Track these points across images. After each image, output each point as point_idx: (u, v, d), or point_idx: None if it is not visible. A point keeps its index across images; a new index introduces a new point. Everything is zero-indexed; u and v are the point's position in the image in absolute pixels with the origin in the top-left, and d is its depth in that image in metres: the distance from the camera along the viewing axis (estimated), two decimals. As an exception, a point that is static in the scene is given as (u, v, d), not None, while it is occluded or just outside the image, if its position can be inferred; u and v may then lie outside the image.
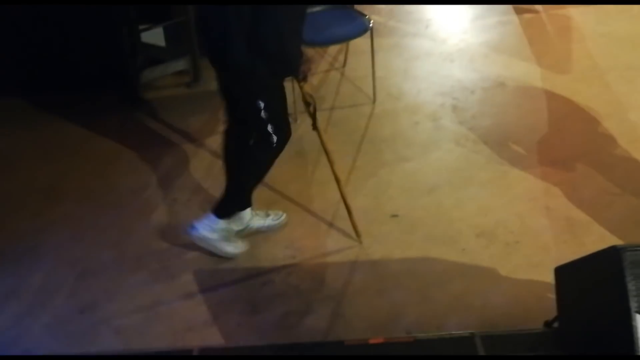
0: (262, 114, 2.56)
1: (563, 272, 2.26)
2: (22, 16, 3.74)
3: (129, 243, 3.05)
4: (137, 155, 3.56)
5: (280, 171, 3.24)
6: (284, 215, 3.08)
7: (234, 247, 2.94)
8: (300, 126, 3.57)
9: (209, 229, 2.86)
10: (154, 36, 3.99)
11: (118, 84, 3.93)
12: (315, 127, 2.85)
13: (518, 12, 4.70)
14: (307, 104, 2.79)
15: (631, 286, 1.68)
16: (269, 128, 2.61)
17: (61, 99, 3.95)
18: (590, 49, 4.28)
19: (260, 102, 2.54)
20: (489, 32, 4.50)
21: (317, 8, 3.71)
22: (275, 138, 2.64)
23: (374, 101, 3.89)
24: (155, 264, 2.94)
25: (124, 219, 3.18)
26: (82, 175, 3.44)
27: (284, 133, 2.71)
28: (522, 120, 3.71)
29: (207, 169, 3.39)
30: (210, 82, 3.21)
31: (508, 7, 4.75)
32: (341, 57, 4.24)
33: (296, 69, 2.56)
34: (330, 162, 2.93)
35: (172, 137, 3.69)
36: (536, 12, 4.67)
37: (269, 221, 3.05)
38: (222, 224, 2.87)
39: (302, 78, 2.68)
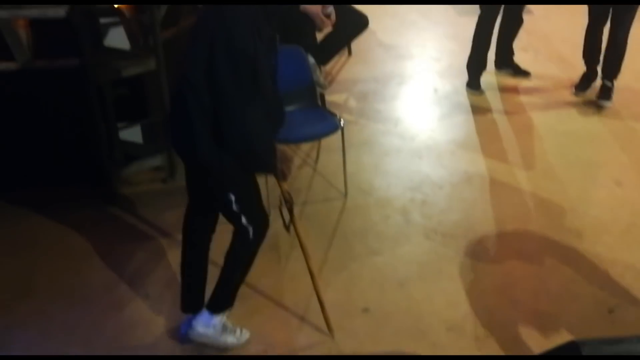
0: (234, 206, 2.62)
1: None
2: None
3: (100, 340, 3.02)
4: (111, 250, 3.57)
5: (252, 265, 3.28)
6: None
7: (236, 337, 2.93)
8: (274, 221, 3.63)
9: (206, 326, 2.87)
10: (132, 133, 4.09)
11: (94, 179, 3.98)
12: (289, 226, 2.92)
13: (481, 113, 4.90)
14: (285, 202, 2.86)
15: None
16: (244, 220, 2.67)
17: (35, 194, 3.99)
18: (551, 146, 4.47)
19: (231, 195, 2.60)
20: (455, 130, 4.68)
21: (289, 108, 3.85)
22: (251, 230, 2.70)
23: (346, 195, 3.99)
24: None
25: (95, 315, 3.16)
26: (54, 271, 3.43)
27: (261, 222, 2.76)
28: (489, 214, 3.82)
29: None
30: (182, 179, 3.29)
31: (473, 107, 4.96)
32: (313, 154, 4.37)
33: (269, 167, 2.65)
34: (306, 257, 2.98)
35: (146, 231, 3.73)
36: (498, 112, 4.89)
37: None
38: (216, 318, 2.88)
39: (281, 177, 2.76)
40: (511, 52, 5.30)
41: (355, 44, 5.70)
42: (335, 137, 3.91)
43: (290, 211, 2.90)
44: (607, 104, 4.85)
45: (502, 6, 4.92)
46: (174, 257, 3.49)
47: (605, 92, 4.88)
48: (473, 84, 5.15)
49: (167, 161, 4.08)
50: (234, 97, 2.37)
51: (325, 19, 4.34)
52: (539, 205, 3.90)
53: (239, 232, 2.73)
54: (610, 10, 4.62)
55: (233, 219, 2.69)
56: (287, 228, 2.96)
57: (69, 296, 3.27)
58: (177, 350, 2.95)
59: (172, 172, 4.09)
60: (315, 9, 4.29)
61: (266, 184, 3.66)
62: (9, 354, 2.95)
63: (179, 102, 2.53)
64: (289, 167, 2.80)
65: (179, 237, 3.39)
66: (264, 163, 2.60)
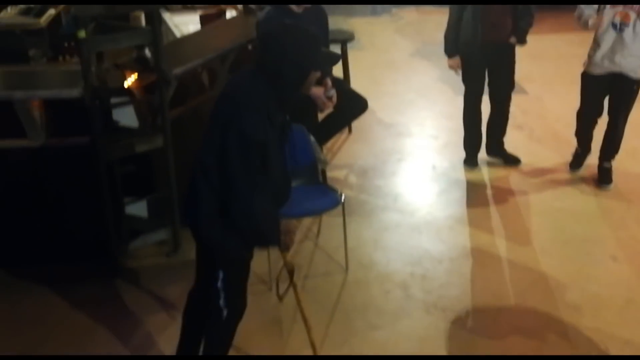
0: (219, 284, 2.70)
1: None
2: (10, 194, 3.94)
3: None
4: (114, 324, 3.61)
5: (254, 339, 3.33)
6: None
7: None
8: (275, 295, 3.70)
9: None
10: (137, 208, 4.19)
11: (99, 254, 4.05)
12: (283, 296, 3.00)
13: (478, 189, 5.02)
14: (287, 272, 2.94)
15: None
16: (220, 302, 2.73)
17: (40, 270, 4.05)
18: (548, 223, 4.56)
19: (220, 272, 2.69)
20: (454, 205, 4.79)
21: (293, 184, 3.96)
22: (225, 312, 2.75)
23: (346, 270, 4.05)
24: None
25: (97, 390, 3.18)
26: (58, 346, 3.46)
27: (237, 307, 2.82)
28: (488, 290, 3.88)
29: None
30: (189, 252, 3.37)
31: (470, 183, 5.08)
32: (315, 228, 4.45)
33: (273, 242, 2.74)
34: (308, 329, 3.03)
35: (150, 305, 3.78)
36: (495, 189, 5.01)
37: None
38: None
39: (284, 248, 2.85)
40: (501, 143, 5.39)
41: (355, 122, 5.85)
42: (337, 213, 4.02)
43: (292, 281, 2.98)
44: (609, 187, 4.94)
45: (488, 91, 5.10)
46: (177, 330, 3.52)
47: (605, 175, 4.97)
48: (469, 161, 5.28)
49: (172, 236, 4.16)
50: (242, 181, 2.49)
51: (327, 100, 4.52)
52: (537, 280, 3.96)
53: (212, 312, 2.78)
54: (608, 99, 4.81)
55: (212, 296, 2.75)
56: (280, 298, 3.02)
57: (72, 371, 3.30)
58: None
59: (176, 246, 4.17)
60: (318, 91, 4.48)
61: (268, 257, 3.74)
62: None
63: (192, 181, 2.65)
64: (292, 238, 2.88)
65: (182, 310, 3.45)
66: (267, 239, 2.70)
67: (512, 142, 5.41)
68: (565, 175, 5.15)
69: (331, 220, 4.36)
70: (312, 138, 4.55)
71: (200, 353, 2.96)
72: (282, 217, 2.81)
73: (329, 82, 4.52)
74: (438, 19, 9.13)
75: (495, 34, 4.80)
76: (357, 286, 3.94)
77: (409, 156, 5.56)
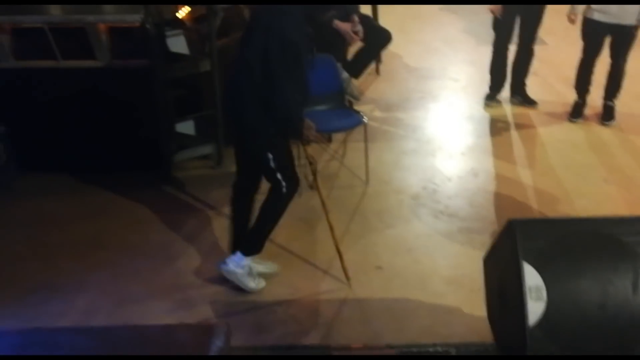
0: (272, 164, 3.30)
1: (485, 261, 2.86)
2: (79, 108, 4.58)
3: (158, 281, 3.69)
4: (167, 218, 4.26)
5: (285, 232, 3.94)
6: (276, 266, 3.74)
7: (255, 283, 3.58)
8: (304, 198, 4.29)
9: (236, 265, 3.52)
10: (186, 126, 4.81)
11: (153, 165, 4.69)
12: (312, 185, 3.58)
13: (492, 123, 5.53)
14: (310, 164, 3.54)
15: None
16: (279, 176, 3.34)
17: (104, 176, 4.70)
18: (552, 151, 5.07)
19: (269, 154, 3.28)
20: (468, 136, 5.32)
21: (322, 107, 4.53)
22: (284, 184, 3.36)
23: (367, 184, 4.63)
24: (179, 296, 3.57)
25: (154, 264, 3.83)
26: (120, 231, 4.13)
27: (293, 181, 3.43)
28: (490, 202, 4.44)
29: (224, 230, 4.04)
30: (231, 165, 3.97)
31: (485, 117, 5.59)
32: (341, 151, 5.03)
33: (299, 132, 3.34)
34: (325, 211, 3.62)
35: (196, 205, 4.41)
36: (507, 123, 5.51)
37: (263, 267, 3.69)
38: (246, 260, 3.53)
39: (305, 142, 3.45)
40: (523, 84, 5.86)
41: (383, 66, 6.41)
42: (360, 138, 4.63)
43: (314, 173, 3.57)
44: (612, 123, 5.41)
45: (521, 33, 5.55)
46: (218, 225, 4.16)
47: (609, 112, 5.44)
48: (492, 96, 5.78)
49: (216, 150, 4.78)
50: (281, 75, 3.09)
51: (354, 35, 5.06)
52: (535, 195, 4.49)
53: (274, 187, 3.40)
54: (608, 43, 5.23)
55: (270, 175, 3.37)
56: (310, 186, 3.60)
57: (133, 250, 3.96)
58: (220, 293, 3.59)
59: (220, 160, 4.79)
60: (345, 26, 5.02)
61: (298, 158, 4.34)
62: (86, 291, 3.62)
63: (234, 78, 3.25)
64: (313, 134, 3.44)
65: (223, 210, 4.09)
66: (296, 128, 3.29)
67: (528, 85, 5.89)
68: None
69: (355, 145, 4.92)
70: (344, 74, 5.16)
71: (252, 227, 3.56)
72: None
73: (355, 18, 5.05)
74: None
75: None
76: (375, 196, 4.52)
77: (430, 95, 6.07)
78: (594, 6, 5.09)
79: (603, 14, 5.06)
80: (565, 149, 5.10)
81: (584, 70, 5.43)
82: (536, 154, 5.04)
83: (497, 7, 5.39)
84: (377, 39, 5.46)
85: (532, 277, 2.20)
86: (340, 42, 5.10)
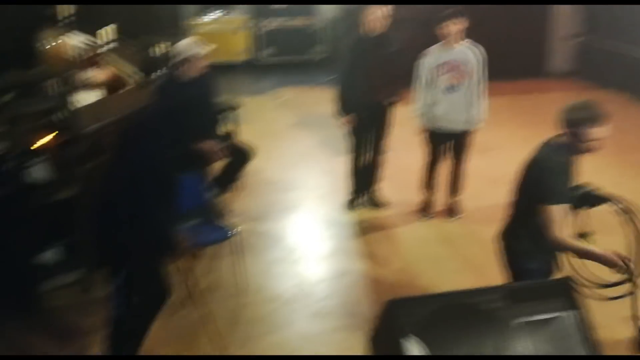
0: (141, 280, 3.36)
1: (370, 341, 3.01)
2: None
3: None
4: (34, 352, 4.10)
5: (167, 348, 3.91)
6: None
7: None
8: (183, 313, 4.31)
9: None
10: (52, 253, 4.72)
11: (17, 296, 4.52)
12: (192, 298, 3.66)
13: (354, 226, 5.90)
14: (186, 278, 3.63)
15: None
16: (142, 292, 3.40)
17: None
18: (408, 247, 5.48)
19: (139, 272, 3.36)
20: (332, 240, 5.63)
21: (191, 222, 4.65)
22: (147, 301, 3.41)
23: (241, 294, 4.75)
24: None
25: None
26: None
27: (158, 297, 3.48)
28: (360, 299, 4.70)
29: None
30: (100, 289, 3.97)
31: (346, 222, 5.95)
32: (212, 264, 5.11)
33: (173, 247, 3.45)
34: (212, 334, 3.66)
35: (66, 335, 4.28)
36: (367, 224, 5.90)
37: None
38: None
39: (179, 256, 3.55)
40: (376, 188, 6.35)
41: (245, 181, 6.67)
42: (230, 249, 4.80)
43: (190, 286, 3.66)
44: (458, 217, 5.98)
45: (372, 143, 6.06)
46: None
47: (455, 208, 6.02)
48: (351, 204, 6.19)
49: (86, 276, 4.71)
50: (153, 192, 3.23)
51: (216, 153, 5.31)
52: (398, 289, 4.81)
53: (137, 303, 3.44)
54: (449, 149, 5.85)
55: (136, 290, 3.41)
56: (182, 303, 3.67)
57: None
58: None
59: (90, 285, 4.71)
60: (207, 145, 5.26)
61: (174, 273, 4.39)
62: None
63: (105, 199, 3.34)
64: (185, 247, 3.57)
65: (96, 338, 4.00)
66: (169, 243, 3.41)
67: (380, 189, 6.37)
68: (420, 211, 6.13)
69: (226, 258, 5.05)
70: (209, 191, 5.34)
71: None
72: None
73: (218, 137, 5.32)
74: (315, 95, 10.31)
75: (376, 95, 5.76)
76: (251, 306, 4.65)
77: (293, 205, 6.38)
78: (435, 118, 5.69)
79: (441, 123, 5.69)
80: (421, 245, 5.54)
81: (429, 172, 6.00)
82: (395, 251, 5.43)
83: (349, 119, 5.86)
84: (241, 156, 5.74)
85: (415, 348, 2.42)
86: (204, 160, 5.32)
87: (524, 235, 3.59)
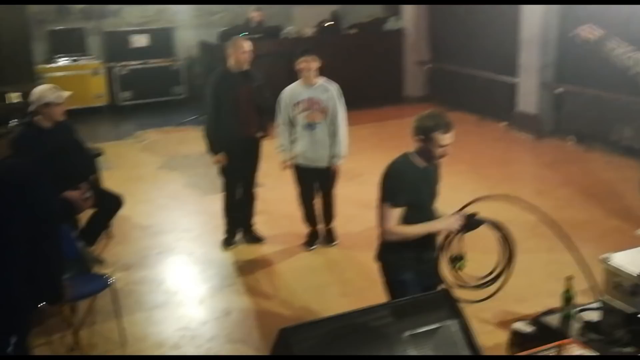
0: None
1: None
2: None
3: None
4: None
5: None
6: None
7: None
8: None
9: None
10: None
11: None
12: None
13: (232, 264, 5.86)
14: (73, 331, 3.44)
15: None
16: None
17: None
18: (290, 279, 5.53)
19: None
20: (212, 279, 5.56)
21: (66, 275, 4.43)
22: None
23: (124, 345, 4.56)
24: None
25: None
26: None
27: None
28: (247, 336, 4.68)
29: None
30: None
31: (225, 260, 5.90)
32: (90, 317, 4.88)
33: (61, 296, 3.27)
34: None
35: None
36: (245, 261, 5.89)
37: None
38: None
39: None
40: (251, 223, 6.35)
41: (114, 229, 6.43)
42: (106, 300, 4.62)
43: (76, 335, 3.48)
44: (335, 243, 6.08)
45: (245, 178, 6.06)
46: None
47: (331, 235, 6.12)
48: (228, 241, 6.14)
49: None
50: (43, 242, 3.06)
51: (84, 202, 5.09)
52: (286, 320, 4.78)
53: None
54: (315, 184, 5.96)
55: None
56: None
57: None
58: None
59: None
60: (74, 194, 5.03)
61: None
62: None
63: None
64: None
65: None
66: (59, 292, 3.23)
67: (256, 224, 6.38)
68: (300, 242, 6.19)
69: (104, 309, 4.84)
70: (80, 242, 5.12)
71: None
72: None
73: (84, 185, 5.11)
74: (178, 136, 10.22)
75: (246, 130, 5.78)
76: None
77: (167, 249, 6.25)
78: (298, 155, 5.77)
79: (302, 160, 5.78)
80: (302, 275, 5.61)
81: (304, 205, 6.08)
82: (278, 283, 5.46)
83: (220, 157, 5.83)
84: (109, 204, 5.55)
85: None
86: (71, 211, 5.08)
87: (392, 247, 3.78)
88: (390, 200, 3.67)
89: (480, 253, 3.71)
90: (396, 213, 3.66)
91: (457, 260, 3.73)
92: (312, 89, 5.69)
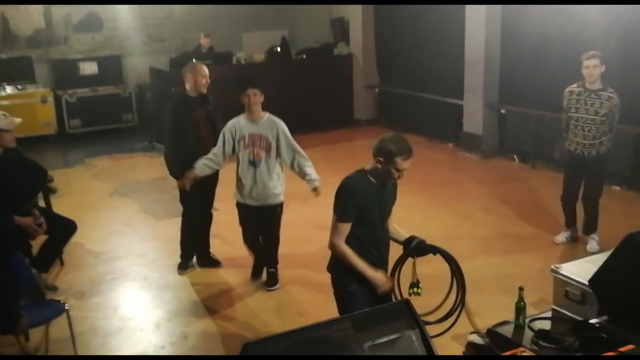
0: None
1: None
2: None
3: None
4: None
5: None
6: None
7: None
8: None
9: None
10: None
11: None
12: None
13: (189, 287, 5.84)
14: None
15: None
16: None
17: None
18: (253, 302, 5.52)
19: None
20: (169, 304, 5.53)
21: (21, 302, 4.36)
22: None
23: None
24: None
25: None
26: None
27: None
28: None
29: None
30: None
31: (181, 284, 5.87)
32: (43, 346, 4.79)
33: (16, 325, 3.24)
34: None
35: None
36: (202, 285, 5.87)
37: None
38: None
39: (20, 334, 3.33)
40: (207, 247, 6.35)
41: (66, 256, 6.33)
42: (61, 328, 4.58)
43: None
44: (276, 287, 5.77)
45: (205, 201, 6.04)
46: None
47: (273, 278, 5.82)
48: (184, 265, 6.12)
49: None
50: None
51: (37, 228, 5.04)
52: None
53: None
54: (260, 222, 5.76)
55: None
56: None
57: None
58: None
59: None
60: (27, 220, 4.98)
61: None
62: None
63: None
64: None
65: None
66: (14, 321, 3.21)
67: (211, 247, 6.38)
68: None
69: (58, 337, 4.76)
70: (33, 269, 5.03)
71: None
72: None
73: (36, 212, 5.06)
74: (130, 162, 10.14)
75: (205, 152, 5.60)
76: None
77: (122, 274, 6.18)
78: (242, 193, 5.57)
79: (250, 199, 5.53)
80: (260, 296, 5.64)
81: (249, 244, 5.94)
82: (237, 306, 5.47)
83: (184, 180, 5.66)
84: (62, 229, 5.49)
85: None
86: (24, 237, 5.02)
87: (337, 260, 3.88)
88: (339, 214, 3.78)
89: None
90: (344, 227, 3.77)
91: (413, 286, 3.84)
92: (258, 124, 5.45)
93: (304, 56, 11.90)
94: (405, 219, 4.06)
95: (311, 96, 11.40)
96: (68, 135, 11.52)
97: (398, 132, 4.03)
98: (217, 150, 5.54)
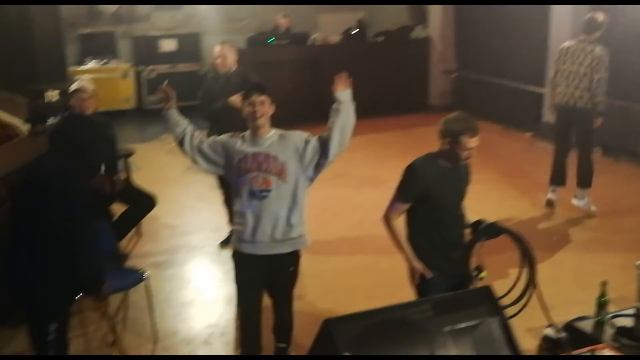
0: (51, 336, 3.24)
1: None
2: None
3: None
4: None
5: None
6: None
7: None
8: None
9: None
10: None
11: None
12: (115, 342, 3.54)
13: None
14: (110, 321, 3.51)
15: None
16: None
17: None
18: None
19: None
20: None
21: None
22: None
23: (156, 341, 4.63)
24: None
25: None
26: None
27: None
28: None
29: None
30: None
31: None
32: (122, 312, 4.94)
33: (100, 286, 3.35)
34: None
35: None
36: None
37: None
38: None
39: (102, 298, 3.44)
40: None
41: (144, 228, 6.50)
42: (138, 295, 4.72)
43: (114, 329, 3.56)
44: None
45: None
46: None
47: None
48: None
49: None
50: (83, 230, 3.15)
51: (112, 184, 5.19)
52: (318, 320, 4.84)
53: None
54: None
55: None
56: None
57: None
58: None
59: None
60: (97, 179, 5.12)
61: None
62: None
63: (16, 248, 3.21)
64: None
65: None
66: (99, 282, 3.32)
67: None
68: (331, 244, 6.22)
69: (136, 302, 4.90)
70: (115, 237, 5.20)
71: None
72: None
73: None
74: (205, 138, 10.26)
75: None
76: (166, 351, 4.53)
77: (196, 248, 6.31)
78: (241, 236, 3.94)
79: (252, 246, 3.92)
80: (330, 278, 5.67)
81: (246, 315, 4.37)
82: (307, 284, 5.46)
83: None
84: (143, 203, 5.65)
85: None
86: (101, 197, 5.17)
87: (420, 249, 3.84)
88: (399, 192, 3.82)
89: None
90: (401, 206, 3.81)
91: (477, 270, 3.78)
92: (264, 140, 3.88)
93: (381, 39, 11.76)
94: (478, 208, 3.98)
95: (386, 80, 11.26)
96: (145, 111, 11.80)
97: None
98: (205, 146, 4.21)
